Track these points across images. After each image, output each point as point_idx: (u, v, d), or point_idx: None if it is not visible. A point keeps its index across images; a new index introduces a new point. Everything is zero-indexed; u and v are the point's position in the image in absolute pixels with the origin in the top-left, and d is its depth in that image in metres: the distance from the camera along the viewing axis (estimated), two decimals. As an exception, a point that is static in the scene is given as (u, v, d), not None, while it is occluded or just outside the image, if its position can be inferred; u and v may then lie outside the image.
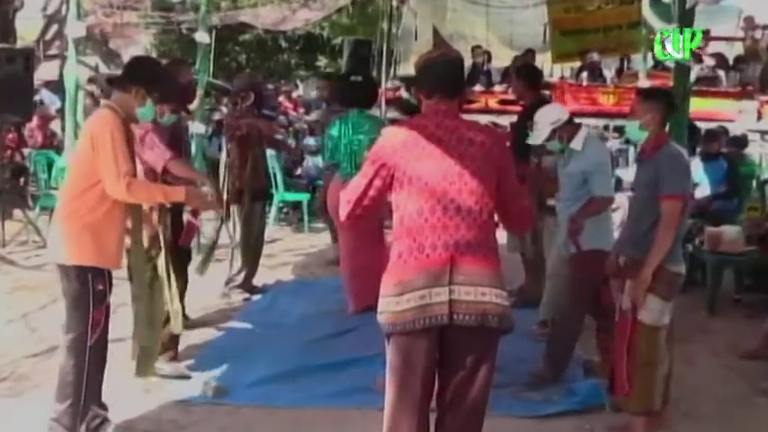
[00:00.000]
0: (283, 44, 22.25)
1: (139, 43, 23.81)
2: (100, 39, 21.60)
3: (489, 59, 13.45)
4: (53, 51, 17.75)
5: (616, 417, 4.21)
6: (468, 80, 11.64)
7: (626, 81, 12.92)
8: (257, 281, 6.76)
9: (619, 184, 8.54)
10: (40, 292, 6.11)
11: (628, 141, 11.40)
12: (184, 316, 4.82)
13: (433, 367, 2.90)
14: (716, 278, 6.72)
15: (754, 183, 8.62)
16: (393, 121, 6.44)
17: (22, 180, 10.70)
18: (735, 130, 11.26)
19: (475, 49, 13.26)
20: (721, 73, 12.45)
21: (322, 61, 23.10)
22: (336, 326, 5.86)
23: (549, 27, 14.31)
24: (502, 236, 3.99)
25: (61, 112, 11.14)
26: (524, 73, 6.48)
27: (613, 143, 11.91)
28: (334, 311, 6.21)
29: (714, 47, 13.62)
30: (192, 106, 7.57)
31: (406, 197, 2.85)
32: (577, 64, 13.63)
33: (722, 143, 8.82)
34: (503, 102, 12.23)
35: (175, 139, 4.91)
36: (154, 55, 23.20)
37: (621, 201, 6.73)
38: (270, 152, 7.78)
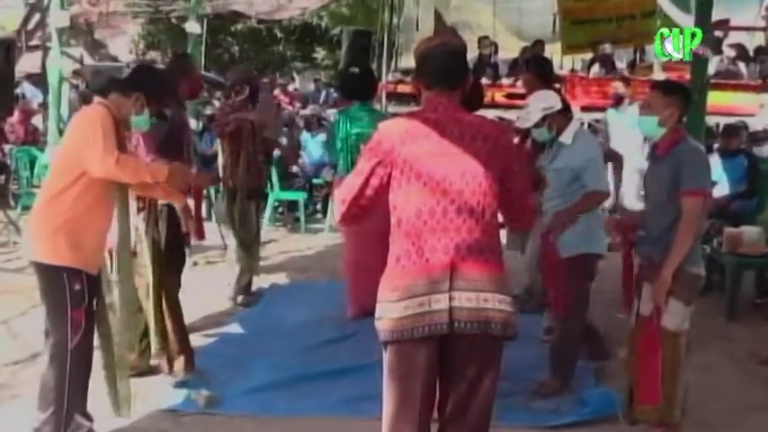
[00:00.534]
0: (279, 35, 22.27)
1: (126, 33, 23.86)
2: (85, 29, 21.60)
3: (496, 51, 13.45)
4: (35, 42, 17.75)
5: (630, 428, 4.21)
6: (473, 73, 11.63)
7: (640, 73, 12.90)
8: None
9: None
10: (21, 296, 6.11)
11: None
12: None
13: (433, 376, 2.88)
14: (735, 281, 6.71)
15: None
16: (395, 116, 6.43)
17: (2, 178, 10.71)
18: (756, 125, 11.28)
19: (482, 40, 13.25)
20: (741, 65, 12.43)
21: (319, 53, 23.14)
22: (335, 332, 5.86)
23: (559, 16, 14.30)
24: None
25: (44, 106, 11.18)
26: (535, 64, 6.47)
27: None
28: (332, 317, 6.22)
29: (734, 37, 13.59)
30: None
31: (404, 198, 2.82)
32: (588, 55, 13.61)
33: (742, 139, 8.81)
34: (510, 96, 12.22)
35: (174, 136, 4.92)
36: (141, 46, 23.28)
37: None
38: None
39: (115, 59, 21.92)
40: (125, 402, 3.97)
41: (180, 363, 4.66)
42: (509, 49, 14.23)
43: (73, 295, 3.65)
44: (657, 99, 4.00)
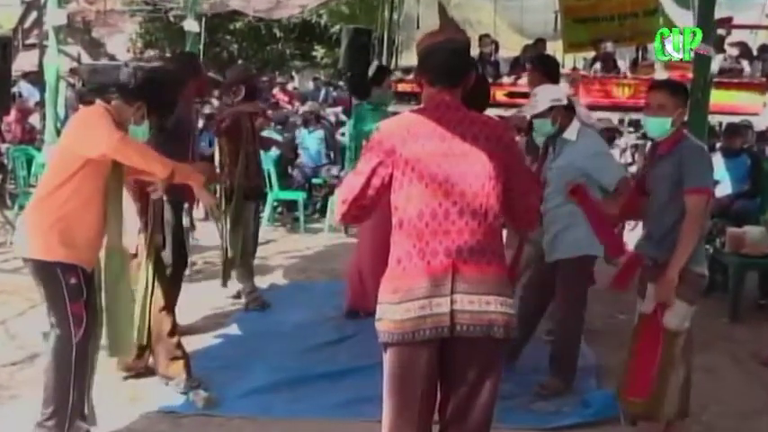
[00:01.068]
0: (278, 33, 22.27)
1: (124, 32, 23.87)
2: (82, 27, 21.63)
3: (497, 49, 13.45)
4: (32, 40, 17.78)
5: (630, 429, 4.22)
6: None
7: (642, 72, 12.89)
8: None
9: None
10: (19, 297, 6.12)
11: (645, 136, 11.41)
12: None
13: (434, 379, 2.88)
14: (738, 282, 6.72)
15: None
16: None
17: (-1, 177, 10.72)
18: (759, 123, 11.28)
19: (483, 38, 13.25)
20: (745, 63, 12.42)
21: (319, 51, 23.14)
22: (334, 333, 5.87)
23: (561, 14, 14.31)
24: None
25: (41, 104, 11.17)
26: (541, 63, 6.48)
27: (629, 138, 11.93)
28: (332, 317, 6.23)
29: (737, 35, 13.59)
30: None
31: (405, 199, 2.81)
32: (590, 54, 13.60)
33: (746, 138, 8.81)
34: (511, 95, 12.22)
35: (180, 136, 4.92)
36: (139, 45, 23.28)
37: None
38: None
39: (113, 58, 21.94)
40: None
41: (176, 368, 4.65)
42: (510, 48, 14.24)
43: (70, 289, 3.66)
44: (668, 100, 3.99)
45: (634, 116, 11.92)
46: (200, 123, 10.85)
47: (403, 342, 2.80)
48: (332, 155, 11.34)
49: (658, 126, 4.02)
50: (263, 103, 10.32)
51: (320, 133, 11.17)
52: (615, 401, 4.35)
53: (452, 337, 2.79)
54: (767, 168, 8.33)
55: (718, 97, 9.06)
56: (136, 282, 4.52)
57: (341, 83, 18.72)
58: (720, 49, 11.73)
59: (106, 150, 3.60)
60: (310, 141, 11.12)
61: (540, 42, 13.38)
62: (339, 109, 14.05)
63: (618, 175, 4.69)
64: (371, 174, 2.83)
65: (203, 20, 13.73)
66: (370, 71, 6.39)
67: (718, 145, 8.65)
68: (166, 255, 5.11)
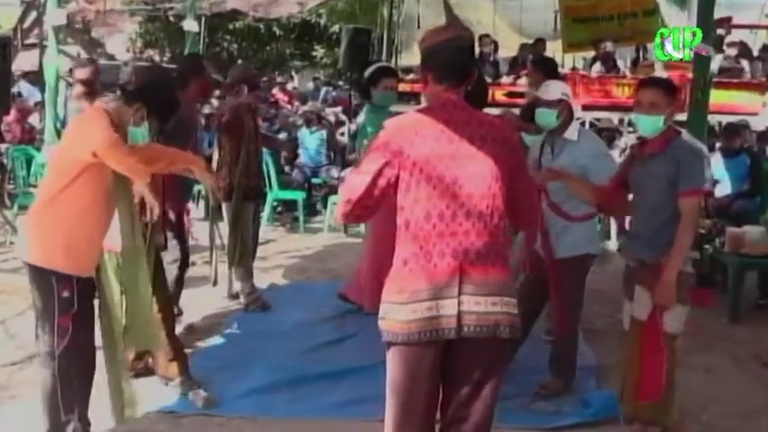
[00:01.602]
0: (278, 32, 22.27)
1: (124, 32, 23.83)
2: (82, 27, 21.59)
3: (496, 49, 13.45)
4: (32, 40, 17.77)
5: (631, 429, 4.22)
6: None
7: (642, 72, 12.89)
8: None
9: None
10: (18, 296, 6.10)
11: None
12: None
13: (437, 379, 2.88)
14: (738, 282, 6.71)
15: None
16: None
17: (-1, 177, 10.71)
18: (759, 123, 11.29)
19: (483, 38, 13.25)
20: (744, 62, 12.42)
21: (319, 51, 23.14)
22: (335, 332, 5.87)
23: (561, 14, 14.32)
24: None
25: (41, 104, 11.17)
26: (542, 63, 6.50)
27: (629, 138, 11.92)
28: (332, 317, 6.22)
29: (736, 35, 13.59)
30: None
31: (412, 200, 2.80)
32: (590, 54, 13.61)
33: (744, 138, 8.82)
34: (510, 95, 12.23)
35: (182, 137, 4.92)
36: (139, 44, 23.26)
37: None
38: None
39: (112, 58, 21.91)
40: (130, 404, 3.93)
41: (176, 368, 4.64)
42: (509, 47, 14.21)
43: (61, 301, 3.62)
44: (662, 98, 3.97)
45: (634, 116, 11.91)
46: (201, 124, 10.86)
47: (408, 342, 2.80)
48: (332, 155, 11.34)
49: (651, 124, 3.99)
50: (263, 104, 10.34)
51: (321, 133, 11.17)
52: (615, 401, 4.35)
53: (458, 337, 2.79)
54: (767, 168, 8.34)
55: (717, 97, 9.07)
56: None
57: (340, 83, 18.74)
58: (720, 50, 11.75)
59: (97, 149, 3.52)
60: (310, 141, 11.12)
61: (540, 42, 13.40)
62: (339, 109, 14.05)
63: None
64: (377, 174, 2.81)
65: (203, 20, 13.74)
66: (367, 72, 6.37)
67: (717, 145, 8.66)
68: (167, 255, 5.11)
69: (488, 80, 12.65)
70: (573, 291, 4.72)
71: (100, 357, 3.86)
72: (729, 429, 4.49)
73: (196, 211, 9.38)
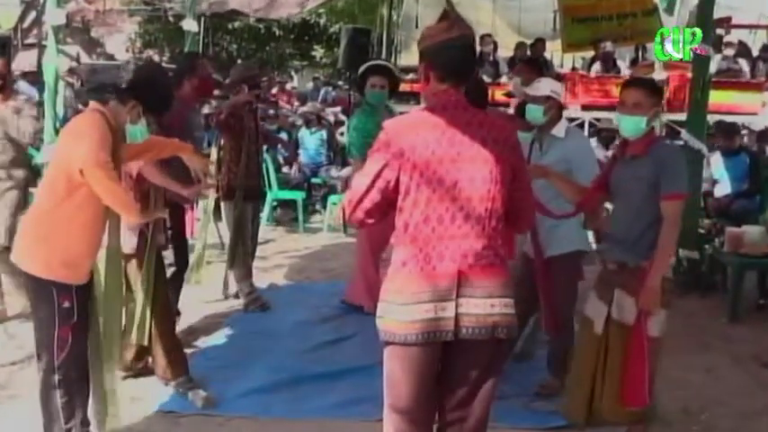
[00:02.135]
0: (277, 32, 22.27)
1: (123, 32, 23.85)
2: (81, 27, 21.62)
3: (496, 49, 13.46)
4: (31, 40, 17.75)
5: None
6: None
7: (641, 72, 12.90)
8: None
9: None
10: (17, 297, 6.10)
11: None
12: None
13: (435, 378, 2.89)
14: (738, 282, 6.71)
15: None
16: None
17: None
18: (758, 123, 11.29)
19: (484, 37, 13.25)
20: (743, 63, 12.43)
21: (318, 51, 23.14)
22: (334, 332, 5.87)
23: (560, 14, 14.31)
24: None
25: (40, 105, 11.16)
26: (532, 62, 6.52)
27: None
28: (331, 317, 6.23)
29: (735, 35, 13.60)
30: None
31: (412, 203, 2.80)
32: (590, 54, 13.61)
33: (742, 138, 8.82)
34: (509, 94, 12.20)
35: (182, 137, 4.91)
36: (138, 44, 23.26)
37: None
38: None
39: (112, 58, 21.92)
40: (113, 415, 3.92)
41: (175, 368, 4.64)
42: (509, 47, 14.18)
43: (61, 312, 3.59)
44: (645, 99, 3.94)
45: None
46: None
47: (406, 342, 2.81)
48: (331, 155, 11.35)
49: (633, 125, 3.95)
50: (263, 103, 10.33)
51: (321, 134, 11.17)
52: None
53: (456, 339, 2.79)
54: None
55: (717, 97, 9.07)
56: (136, 282, 4.52)
57: (340, 82, 18.74)
58: (719, 49, 11.76)
59: (83, 167, 3.45)
60: (310, 141, 11.12)
61: (540, 42, 13.40)
62: (338, 109, 14.05)
63: (594, 174, 4.67)
64: (376, 176, 2.81)
65: (202, 19, 13.72)
66: (360, 70, 6.38)
67: (715, 144, 8.66)
68: (167, 255, 5.11)
69: (488, 80, 12.68)
70: (565, 289, 4.67)
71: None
72: (729, 429, 4.49)
73: (196, 210, 9.37)
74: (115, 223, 3.82)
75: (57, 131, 7.09)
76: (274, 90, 16.19)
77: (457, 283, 2.77)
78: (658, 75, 11.73)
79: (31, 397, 3.85)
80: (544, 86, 4.71)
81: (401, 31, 15.33)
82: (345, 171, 9.99)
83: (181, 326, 5.52)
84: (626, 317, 3.93)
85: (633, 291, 3.87)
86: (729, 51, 12.32)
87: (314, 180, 10.96)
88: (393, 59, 14.24)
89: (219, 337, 5.74)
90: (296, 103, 15.52)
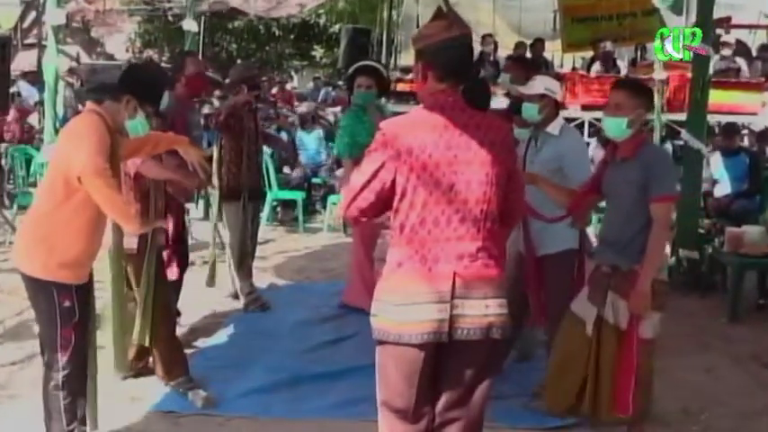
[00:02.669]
0: (277, 32, 22.28)
1: (123, 32, 23.84)
2: (81, 27, 21.61)
3: (496, 49, 13.47)
4: (31, 40, 17.75)
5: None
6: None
7: (641, 72, 12.90)
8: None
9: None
10: (17, 296, 6.09)
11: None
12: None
13: (430, 378, 2.88)
14: (737, 282, 6.70)
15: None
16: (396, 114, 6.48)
17: (-2, 177, 10.71)
18: (758, 123, 11.28)
19: (486, 37, 13.29)
20: (741, 61, 12.42)
21: (318, 51, 23.14)
22: (334, 332, 5.87)
23: (560, 14, 14.32)
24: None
25: (40, 104, 11.16)
26: (522, 60, 6.53)
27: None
28: (331, 317, 6.23)
29: (734, 35, 13.59)
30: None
31: (408, 205, 2.79)
32: (589, 54, 13.61)
33: (742, 138, 8.82)
34: (509, 94, 12.20)
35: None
36: (138, 44, 23.26)
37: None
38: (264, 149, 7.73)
39: (111, 58, 21.93)
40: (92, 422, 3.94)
41: (175, 368, 4.64)
42: (509, 47, 14.20)
43: (63, 312, 3.59)
44: (627, 100, 3.92)
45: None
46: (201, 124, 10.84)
47: (399, 342, 2.81)
48: (330, 154, 11.33)
49: (614, 126, 3.94)
50: (263, 103, 10.32)
51: (318, 132, 11.17)
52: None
53: (451, 340, 2.79)
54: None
55: (716, 97, 9.06)
56: (138, 282, 4.52)
57: (340, 82, 18.73)
58: (716, 50, 11.75)
59: (80, 175, 3.44)
60: (309, 141, 11.11)
61: (539, 42, 13.40)
62: (338, 109, 14.05)
63: (587, 175, 4.67)
64: (372, 176, 2.80)
65: (202, 19, 13.73)
66: (349, 71, 6.39)
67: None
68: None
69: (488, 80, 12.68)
70: (559, 288, 4.66)
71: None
72: (729, 429, 4.49)
73: (196, 211, 9.38)
74: (117, 224, 3.82)
75: (57, 131, 7.10)
76: (274, 90, 16.18)
77: (452, 285, 2.77)
78: (658, 75, 11.72)
79: (31, 397, 3.86)
80: (538, 84, 4.70)
81: (401, 31, 15.33)
82: (340, 171, 10.00)
83: (181, 326, 5.53)
84: (620, 320, 3.91)
85: (626, 294, 3.86)
86: (727, 51, 12.31)
87: (314, 180, 10.96)
88: (393, 59, 14.26)
89: (219, 337, 5.74)
90: (296, 104, 15.51)
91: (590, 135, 11.29)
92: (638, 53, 14.12)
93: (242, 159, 6.19)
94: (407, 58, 14.64)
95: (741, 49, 13.01)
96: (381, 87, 6.48)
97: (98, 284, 3.98)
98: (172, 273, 5.19)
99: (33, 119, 11.92)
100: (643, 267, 3.81)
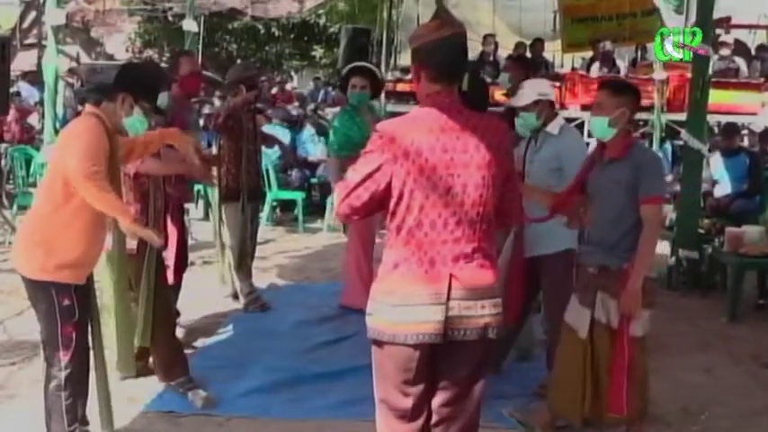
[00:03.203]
0: (277, 33, 22.27)
1: (123, 32, 23.84)
2: (81, 27, 21.62)
3: (496, 49, 13.46)
4: (31, 40, 17.79)
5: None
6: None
7: (641, 72, 12.90)
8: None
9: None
10: (17, 296, 6.09)
11: (643, 136, 11.42)
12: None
13: (426, 378, 2.88)
14: (737, 281, 6.71)
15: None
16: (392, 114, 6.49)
17: (-2, 177, 10.71)
18: (758, 123, 11.29)
19: (487, 37, 13.30)
20: (742, 63, 12.42)
21: (318, 51, 23.13)
22: (334, 333, 5.87)
23: (560, 14, 14.32)
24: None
25: (40, 104, 11.17)
26: (521, 59, 6.53)
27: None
28: (331, 317, 6.23)
29: (734, 34, 13.59)
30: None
31: (404, 208, 2.78)
32: (589, 54, 13.60)
33: (742, 138, 8.82)
34: (509, 95, 12.20)
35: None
36: (138, 44, 23.26)
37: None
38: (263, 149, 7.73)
39: (111, 58, 21.94)
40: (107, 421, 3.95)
41: (175, 368, 4.64)
42: (509, 47, 14.21)
43: (62, 310, 3.60)
44: (607, 99, 3.93)
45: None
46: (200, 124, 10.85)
47: (394, 342, 2.81)
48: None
49: (597, 125, 3.95)
50: (262, 103, 10.33)
51: (311, 129, 11.19)
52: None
53: (446, 340, 2.80)
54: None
55: (716, 97, 9.07)
56: (138, 282, 4.51)
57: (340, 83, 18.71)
58: (715, 50, 11.75)
59: (72, 180, 3.46)
60: (308, 141, 11.11)
61: (539, 42, 13.40)
62: (338, 109, 14.05)
63: None
64: (367, 176, 2.78)
65: (202, 19, 13.73)
66: (344, 71, 6.40)
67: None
68: (167, 255, 5.11)
69: (488, 80, 12.69)
70: (558, 287, 4.65)
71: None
72: (728, 429, 4.49)
73: (196, 211, 9.39)
74: (119, 228, 3.82)
75: (56, 132, 7.11)
76: (274, 90, 16.18)
77: (448, 287, 2.77)
78: (658, 75, 11.72)
79: (31, 397, 3.86)
80: (528, 92, 4.65)
81: (401, 32, 15.31)
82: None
83: (181, 326, 5.53)
84: (611, 319, 3.92)
85: (616, 293, 3.87)
86: (725, 51, 12.31)
87: (313, 180, 10.96)
88: (393, 59, 14.25)
89: (219, 337, 5.74)
90: (296, 104, 15.51)
91: (590, 135, 11.27)
92: (638, 53, 14.12)
93: (241, 160, 6.19)
94: (407, 58, 14.60)
95: (740, 48, 13.01)
96: (375, 88, 6.51)
97: (97, 284, 3.98)
98: (171, 273, 5.19)
99: (33, 119, 11.93)
100: (634, 267, 3.81)
